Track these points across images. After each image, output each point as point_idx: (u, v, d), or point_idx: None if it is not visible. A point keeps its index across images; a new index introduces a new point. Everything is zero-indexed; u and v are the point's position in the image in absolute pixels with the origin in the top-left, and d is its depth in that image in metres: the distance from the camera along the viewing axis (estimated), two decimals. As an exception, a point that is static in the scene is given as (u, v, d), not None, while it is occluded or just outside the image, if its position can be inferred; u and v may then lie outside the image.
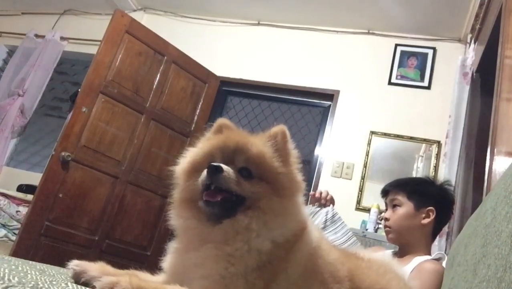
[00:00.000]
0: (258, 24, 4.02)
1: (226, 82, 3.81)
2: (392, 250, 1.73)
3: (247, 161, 0.74)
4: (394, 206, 1.62)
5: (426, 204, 1.58)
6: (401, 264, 1.52)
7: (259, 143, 0.77)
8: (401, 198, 1.61)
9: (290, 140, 0.81)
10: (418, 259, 1.51)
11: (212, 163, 0.71)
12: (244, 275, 0.67)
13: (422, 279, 1.39)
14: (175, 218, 0.79)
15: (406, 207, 1.59)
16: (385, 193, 1.69)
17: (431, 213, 1.57)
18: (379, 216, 2.95)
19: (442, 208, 1.60)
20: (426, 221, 1.57)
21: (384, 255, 1.63)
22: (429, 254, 1.59)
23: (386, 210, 1.70)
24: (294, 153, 0.81)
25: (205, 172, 0.72)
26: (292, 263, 0.72)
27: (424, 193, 1.61)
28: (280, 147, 0.78)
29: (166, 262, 0.79)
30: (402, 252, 1.64)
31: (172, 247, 0.79)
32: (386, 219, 1.64)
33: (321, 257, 0.76)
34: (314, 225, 0.83)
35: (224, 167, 0.71)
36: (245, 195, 0.72)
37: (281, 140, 0.79)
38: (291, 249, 0.73)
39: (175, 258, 0.76)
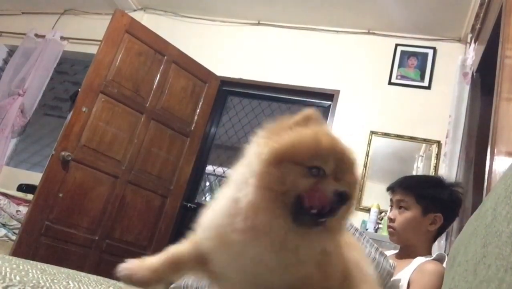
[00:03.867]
0: (258, 24, 4.02)
1: (226, 82, 3.82)
2: (394, 252, 1.72)
3: (353, 184, 0.65)
4: (400, 207, 1.58)
5: (434, 209, 1.54)
6: (402, 264, 1.52)
7: (355, 159, 0.67)
8: (409, 201, 1.56)
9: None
10: (419, 260, 1.51)
11: (339, 189, 0.61)
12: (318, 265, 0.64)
13: (424, 281, 1.39)
14: (255, 208, 0.61)
15: (413, 211, 1.55)
16: (392, 190, 1.64)
17: (438, 220, 1.54)
18: (379, 216, 2.95)
19: (449, 213, 1.57)
20: (432, 227, 1.55)
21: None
22: (430, 254, 1.59)
23: (391, 206, 1.66)
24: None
25: (330, 191, 0.61)
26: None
27: (434, 198, 1.55)
28: (353, 162, 0.68)
29: (208, 222, 0.67)
30: (403, 253, 1.63)
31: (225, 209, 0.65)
32: (391, 219, 1.60)
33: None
34: None
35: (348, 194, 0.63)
36: (336, 214, 0.64)
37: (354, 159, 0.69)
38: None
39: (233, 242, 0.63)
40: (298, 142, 0.65)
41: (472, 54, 2.91)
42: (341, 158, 0.65)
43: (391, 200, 1.66)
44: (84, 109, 2.90)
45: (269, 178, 0.62)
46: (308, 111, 0.72)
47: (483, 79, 2.77)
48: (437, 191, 1.58)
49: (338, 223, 0.65)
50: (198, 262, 0.70)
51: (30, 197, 3.30)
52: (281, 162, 0.63)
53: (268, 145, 0.65)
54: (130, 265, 0.72)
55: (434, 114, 3.30)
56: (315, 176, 0.62)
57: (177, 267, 0.72)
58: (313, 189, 0.61)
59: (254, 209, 0.61)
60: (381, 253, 1.42)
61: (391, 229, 1.60)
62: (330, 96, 3.63)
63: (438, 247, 2.38)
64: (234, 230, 0.62)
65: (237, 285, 0.67)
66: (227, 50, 3.95)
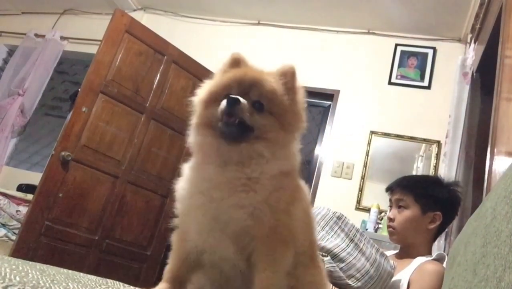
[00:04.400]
0: (258, 24, 4.02)
1: (226, 82, 3.81)
2: (394, 252, 1.73)
3: (260, 96, 0.81)
4: (400, 207, 1.59)
5: (433, 208, 1.55)
6: (402, 264, 1.52)
7: (273, 80, 0.84)
8: (408, 200, 1.57)
9: (298, 79, 0.88)
10: (419, 260, 1.51)
11: (231, 95, 0.78)
12: (266, 199, 0.76)
13: (424, 281, 1.39)
14: (195, 136, 0.85)
15: (412, 210, 1.56)
16: (391, 190, 1.65)
17: (437, 218, 1.55)
18: (379, 216, 2.95)
19: (448, 211, 1.57)
20: (431, 226, 1.55)
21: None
22: (430, 254, 1.59)
23: (390, 206, 1.66)
24: (301, 92, 0.88)
25: (224, 102, 0.78)
26: (300, 190, 0.85)
27: (432, 196, 1.56)
28: (289, 85, 0.85)
29: (186, 175, 0.85)
30: (403, 253, 1.63)
31: (189, 164, 0.86)
32: (391, 219, 1.61)
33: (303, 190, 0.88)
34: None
35: (241, 99, 0.78)
36: (256, 126, 0.80)
37: (290, 79, 0.86)
38: (295, 178, 0.84)
39: (196, 171, 0.83)
40: (215, 82, 0.88)
41: (472, 54, 2.91)
42: (241, 81, 0.83)
43: (390, 200, 1.66)
44: (84, 109, 2.90)
45: (201, 114, 0.84)
46: (233, 54, 0.95)
47: (483, 79, 2.77)
48: (436, 189, 1.58)
49: (272, 134, 0.80)
50: (184, 248, 0.83)
51: (30, 197, 3.30)
52: (209, 100, 0.84)
53: (203, 88, 0.90)
54: None
55: (434, 114, 3.31)
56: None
57: (180, 277, 0.83)
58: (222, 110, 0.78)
59: (196, 140, 0.84)
60: (382, 254, 1.43)
61: (391, 229, 1.61)
62: (330, 96, 3.63)
63: (437, 246, 2.38)
64: (192, 167, 0.84)
65: (206, 235, 0.79)
66: (227, 50, 3.94)
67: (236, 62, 0.92)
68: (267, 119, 0.80)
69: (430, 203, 1.55)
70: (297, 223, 0.80)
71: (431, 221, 1.55)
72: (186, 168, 0.86)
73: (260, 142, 0.79)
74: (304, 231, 0.83)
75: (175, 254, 0.84)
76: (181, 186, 0.85)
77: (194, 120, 0.87)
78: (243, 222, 0.75)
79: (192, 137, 0.86)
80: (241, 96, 0.79)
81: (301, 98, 0.87)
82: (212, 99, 0.84)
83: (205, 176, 0.80)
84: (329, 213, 1.40)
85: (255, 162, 0.79)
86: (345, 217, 1.42)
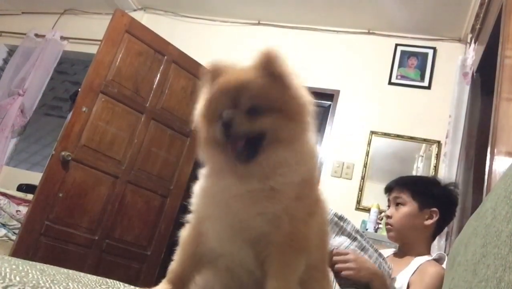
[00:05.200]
0: (258, 24, 4.02)
1: (226, 82, 3.81)
2: (393, 251, 1.73)
3: (252, 99, 0.75)
4: (397, 204, 1.60)
5: (430, 205, 1.56)
6: (401, 264, 1.52)
7: (257, 77, 0.77)
8: (405, 197, 1.58)
9: (284, 61, 0.80)
10: (418, 260, 1.51)
11: (223, 120, 0.73)
12: (286, 208, 0.74)
13: (425, 283, 1.39)
14: (207, 158, 0.82)
15: (409, 206, 1.57)
16: (389, 189, 1.66)
17: (434, 214, 1.56)
18: (379, 216, 2.95)
19: (446, 209, 1.58)
20: (429, 222, 1.56)
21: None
22: (429, 253, 1.59)
23: (388, 206, 1.68)
24: (293, 73, 0.81)
25: (218, 128, 0.75)
26: (319, 204, 0.82)
27: (429, 193, 1.58)
28: (276, 72, 0.78)
29: (201, 183, 0.82)
30: (402, 252, 1.63)
31: (204, 171, 0.83)
32: (388, 217, 1.62)
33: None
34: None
35: (234, 117, 0.73)
36: (263, 130, 0.74)
37: (274, 66, 0.79)
38: (315, 189, 0.81)
39: (211, 182, 0.80)
40: (205, 100, 0.83)
41: (472, 54, 2.91)
42: (227, 93, 0.77)
43: (388, 199, 1.68)
44: (84, 109, 2.90)
45: (206, 130, 0.81)
46: (211, 65, 0.85)
47: (483, 79, 2.77)
48: (433, 187, 1.61)
49: (283, 132, 0.75)
50: (195, 249, 0.81)
51: (30, 197, 3.30)
52: (209, 117, 0.80)
53: (200, 102, 0.86)
54: None
55: (434, 114, 3.31)
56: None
57: (184, 277, 0.81)
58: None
59: (208, 157, 0.81)
60: (380, 254, 1.43)
61: (389, 226, 1.62)
62: (330, 96, 3.63)
63: (438, 247, 2.39)
64: (209, 176, 0.81)
65: (226, 242, 0.77)
66: (227, 50, 3.95)
67: (217, 72, 0.83)
68: (270, 119, 0.75)
69: (427, 200, 1.57)
70: (313, 235, 0.78)
71: (428, 217, 1.56)
72: (202, 175, 0.83)
73: (277, 147, 0.75)
74: (318, 245, 0.81)
75: (182, 254, 0.82)
76: (198, 193, 0.82)
77: (200, 134, 0.83)
78: (262, 228, 0.74)
79: (203, 153, 0.82)
80: (234, 107, 0.74)
81: (294, 80, 0.80)
82: (210, 116, 0.80)
83: (223, 188, 0.77)
84: (330, 213, 1.40)
85: (280, 172, 0.75)
86: (346, 218, 1.43)
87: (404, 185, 1.62)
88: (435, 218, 1.56)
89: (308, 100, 0.80)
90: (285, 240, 0.74)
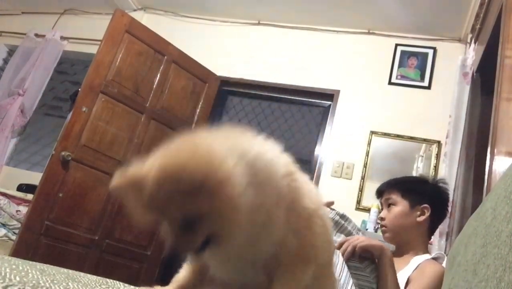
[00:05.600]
0: (258, 24, 4.02)
1: (226, 82, 3.81)
2: (390, 250, 1.73)
3: (179, 209, 0.61)
4: (389, 205, 1.63)
5: (421, 202, 1.59)
6: (400, 264, 1.53)
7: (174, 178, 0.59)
8: (395, 197, 1.62)
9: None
10: (417, 259, 1.51)
11: (167, 251, 0.62)
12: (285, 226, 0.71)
13: (423, 279, 1.39)
14: None
15: (400, 205, 1.60)
16: (380, 193, 1.70)
17: (426, 210, 1.59)
18: (379, 216, 2.95)
19: (437, 205, 1.61)
20: (421, 218, 1.58)
21: None
22: (427, 252, 1.60)
23: (381, 210, 1.71)
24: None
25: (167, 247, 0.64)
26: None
27: (418, 190, 1.62)
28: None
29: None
30: (399, 252, 1.64)
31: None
32: (382, 219, 1.65)
33: None
34: None
35: (177, 250, 0.62)
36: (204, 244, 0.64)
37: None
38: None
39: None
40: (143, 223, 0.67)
41: (472, 54, 2.91)
42: (149, 206, 0.62)
43: (380, 203, 1.72)
44: (84, 109, 2.90)
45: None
46: (115, 185, 0.69)
47: (483, 79, 2.77)
48: (421, 185, 1.66)
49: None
50: (199, 278, 0.79)
51: (30, 197, 3.30)
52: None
53: None
54: None
55: (434, 114, 3.31)
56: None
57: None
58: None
59: None
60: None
61: (383, 228, 1.65)
62: (330, 96, 3.63)
63: (438, 247, 2.39)
64: None
65: (232, 274, 0.75)
66: (227, 50, 3.95)
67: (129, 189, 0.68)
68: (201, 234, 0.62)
69: (417, 197, 1.60)
70: (318, 236, 0.75)
71: (421, 214, 1.59)
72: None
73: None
74: (324, 246, 0.80)
75: (189, 268, 0.80)
76: None
77: None
78: (270, 252, 0.71)
79: None
80: (165, 220, 0.62)
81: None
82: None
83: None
84: (333, 212, 1.41)
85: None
86: (348, 217, 1.44)
87: (393, 186, 1.65)
88: (427, 214, 1.58)
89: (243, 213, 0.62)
90: (291, 252, 0.71)
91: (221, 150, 0.60)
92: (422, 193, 1.61)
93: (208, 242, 0.63)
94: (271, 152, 0.69)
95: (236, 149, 0.62)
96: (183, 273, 0.81)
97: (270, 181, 0.66)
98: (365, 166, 3.33)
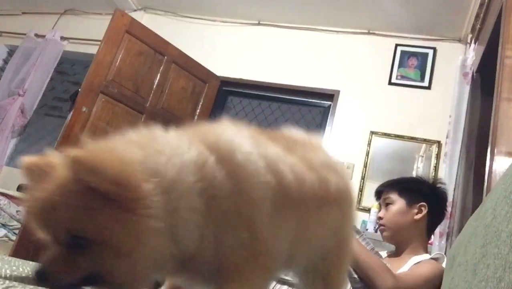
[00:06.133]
0: (258, 24, 4.02)
1: (226, 82, 3.81)
2: (390, 251, 1.74)
3: (64, 230, 0.54)
4: (387, 205, 1.64)
5: (418, 200, 1.60)
6: (398, 263, 1.53)
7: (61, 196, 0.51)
8: (392, 196, 1.63)
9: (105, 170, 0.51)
10: (415, 259, 1.52)
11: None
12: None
13: (418, 270, 1.42)
14: None
15: (398, 204, 1.61)
16: (378, 194, 1.72)
17: (423, 208, 1.60)
18: (377, 216, 2.96)
19: (434, 204, 1.62)
20: (418, 216, 1.59)
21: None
22: (426, 252, 1.60)
23: (379, 210, 1.72)
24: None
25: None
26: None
27: (415, 189, 1.63)
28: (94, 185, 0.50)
29: None
30: (398, 251, 1.65)
31: None
32: (380, 218, 1.66)
33: None
34: None
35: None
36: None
37: (89, 177, 0.50)
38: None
39: None
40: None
41: (472, 54, 2.91)
42: (36, 221, 0.54)
43: (379, 204, 1.73)
44: (84, 109, 2.90)
45: None
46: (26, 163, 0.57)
47: (483, 80, 2.77)
48: (418, 184, 1.68)
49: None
50: None
51: (30, 197, 3.29)
52: None
53: None
54: None
55: (434, 115, 3.30)
56: None
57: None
58: None
59: None
60: (377, 253, 1.46)
61: (382, 227, 1.66)
62: (330, 96, 3.63)
63: (439, 247, 2.38)
64: None
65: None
66: (227, 50, 3.95)
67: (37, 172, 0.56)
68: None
69: (414, 195, 1.61)
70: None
71: (418, 212, 1.60)
72: None
73: None
74: (330, 235, 0.80)
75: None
76: None
77: None
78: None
79: None
80: (50, 228, 0.54)
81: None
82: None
83: None
84: None
85: None
86: None
87: (390, 186, 1.68)
88: (424, 212, 1.59)
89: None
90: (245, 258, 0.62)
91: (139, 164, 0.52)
92: (418, 191, 1.63)
93: (93, 279, 0.51)
94: (179, 157, 0.59)
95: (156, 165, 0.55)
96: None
97: (185, 199, 0.57)
98: (365, 166, 3.33)
